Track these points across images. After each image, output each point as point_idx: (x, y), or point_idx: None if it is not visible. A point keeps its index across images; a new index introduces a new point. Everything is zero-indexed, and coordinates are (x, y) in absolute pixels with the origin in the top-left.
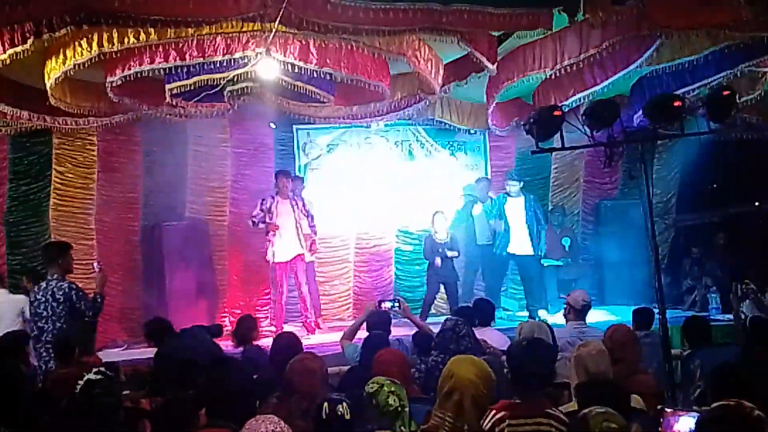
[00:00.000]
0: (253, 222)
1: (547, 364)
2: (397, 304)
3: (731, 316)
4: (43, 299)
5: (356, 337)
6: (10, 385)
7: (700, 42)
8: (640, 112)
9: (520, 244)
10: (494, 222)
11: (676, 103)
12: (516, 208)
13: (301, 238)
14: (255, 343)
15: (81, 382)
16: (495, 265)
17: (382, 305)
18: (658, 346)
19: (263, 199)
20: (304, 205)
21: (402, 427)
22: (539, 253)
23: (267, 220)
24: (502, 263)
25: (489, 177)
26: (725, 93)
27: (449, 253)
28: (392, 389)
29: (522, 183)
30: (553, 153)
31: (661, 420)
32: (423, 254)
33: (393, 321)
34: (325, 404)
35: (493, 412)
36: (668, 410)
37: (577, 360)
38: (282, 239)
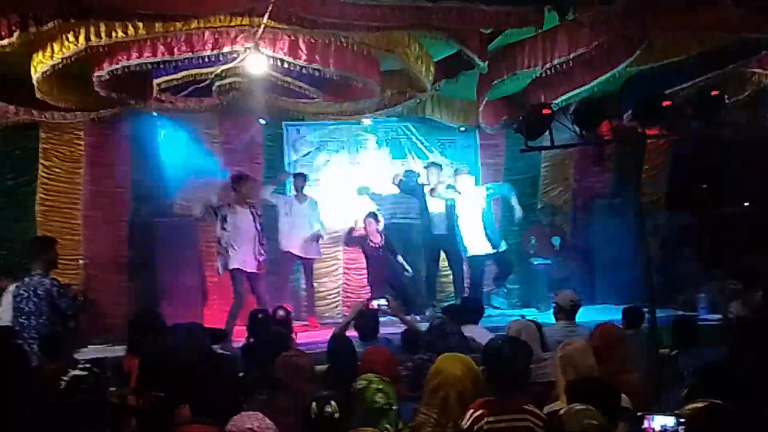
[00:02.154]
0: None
1: (523, 362)
2: (385, 303)
3: (720, 316)
4: (26, 295)
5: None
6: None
7: (688, 42)
8: (630, 111)
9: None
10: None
11: (665, 103)
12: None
13: (257, 249)
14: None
15: (66, 378)
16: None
17: (371, 303)
18: (647, 346)
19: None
20: (261, 215)
21: (388, 425)
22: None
23: (219, 227)
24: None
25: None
26: (714, 93)
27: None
28: (380, 387)
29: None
30: (543, 151)
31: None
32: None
33: (381, 319)
34: (314, 403)
35: (472, 410)
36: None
37: (562, 359)
38: (238, 249)
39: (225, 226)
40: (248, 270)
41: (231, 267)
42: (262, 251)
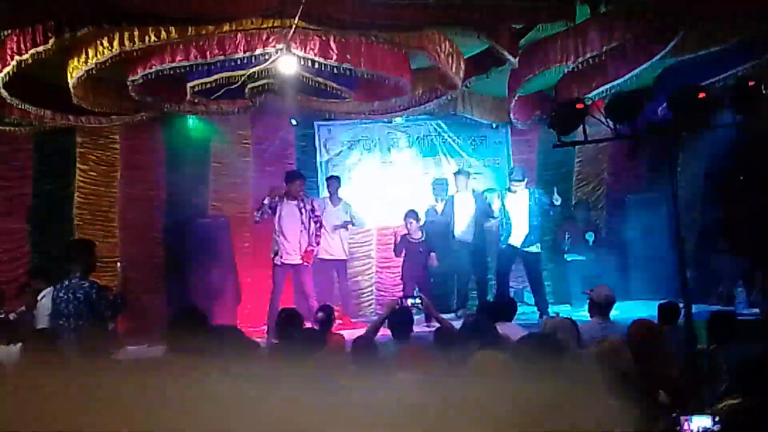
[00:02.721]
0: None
1: (555, 359)
2: (419, 301)
3: (758, 311)
4: (65, 297)
5: (379, 333)
6: None
7: (725, 32)
8: (664, 104)
9: (518, 238)
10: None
11: (701, 95)
12: (514, 204)
13: (302, 242)
14: None
15: None
16: (500, 259)
17: (405, 302)
18: (684, 342)
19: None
20: (313, 210)
21: None
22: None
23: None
24: (507, 255)
25: (468, 170)
26: (751, 84)
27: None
28: None
29: (526, 180)
30: (576, 147)
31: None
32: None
33: (415, 317)
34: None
35: None
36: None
37: (598, 356)
38: (285, 241)
39: (276, 218)
40: (292, 262)
41: (277, 258)
42: (313, 243)
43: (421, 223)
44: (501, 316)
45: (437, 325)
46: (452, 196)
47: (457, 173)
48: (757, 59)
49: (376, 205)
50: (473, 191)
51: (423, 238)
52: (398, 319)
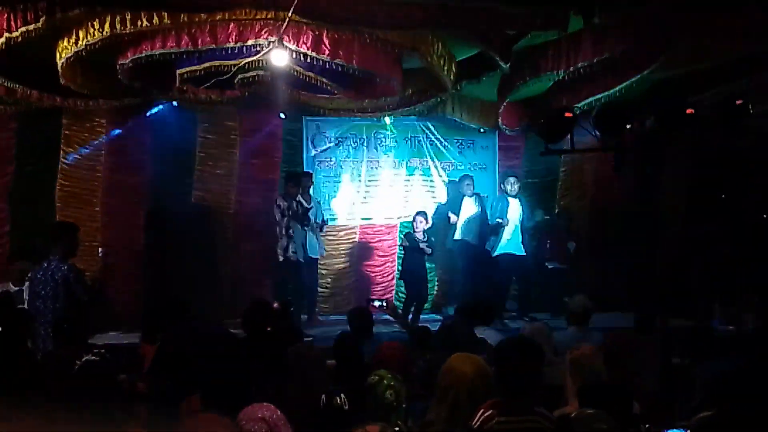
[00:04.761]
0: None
1: (535, 363)
2: (384, 304)
3: (733, 328)
4: (43, 279)
5: None
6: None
7: (713, 50)
8: (652, 118)
9: (516, 245)
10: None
11: (689, 111)
12: (514, 210)
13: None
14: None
15: (79, 363)
16: (488, 267)
17: (372, 304)
18: (658, 354)
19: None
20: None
21: (399, 422)
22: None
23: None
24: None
25: (471, 175)
26: (738, 102)
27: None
28: (391, 383)
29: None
30: (562, 156)
31: None
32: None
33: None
34: (323, 395)
35: (482, 410)
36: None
37: (572, 363)
38: (288, 237)
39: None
40: (296, 259)
41: (282, 254)
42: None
43: (429, 225)
44: (480, 320)
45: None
46: (463, 196)
47: (463, 177)
48: (746, 78)
49: (360, 203)
50: (477, 195)
51: (425, 239)
52: (358, 319)
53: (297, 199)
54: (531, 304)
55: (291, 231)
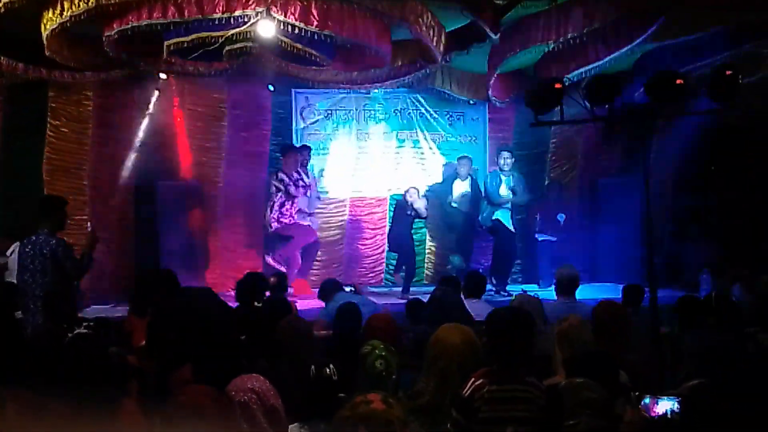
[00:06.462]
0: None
1: (525, 332)
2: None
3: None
4: (31, 252)
5: None
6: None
7: (705, 20)
8: (642, 89)
9: (507, 220)
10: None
11: (678, 81)
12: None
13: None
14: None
15: (69, 336)
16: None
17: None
18: (647, 324)
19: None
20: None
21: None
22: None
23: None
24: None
25: (470, 156)
26: (728, 73)
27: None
28: (383, 354)
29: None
30: (552, 127)
31: (641, 403)
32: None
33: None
34: (312, 366)
35: (473, 379)
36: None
37: (559, 334)
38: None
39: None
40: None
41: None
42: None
43: (419, 202)
44: (470, 292)
45: (411, 297)
46: (455, 178)
47: (460, 158)
48: (736, 48)
49: (350, 176)
50: (471, 178)
51: (411, 212)
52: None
53: (297, 172)
54: (507, 282)
55: (289, 203)
